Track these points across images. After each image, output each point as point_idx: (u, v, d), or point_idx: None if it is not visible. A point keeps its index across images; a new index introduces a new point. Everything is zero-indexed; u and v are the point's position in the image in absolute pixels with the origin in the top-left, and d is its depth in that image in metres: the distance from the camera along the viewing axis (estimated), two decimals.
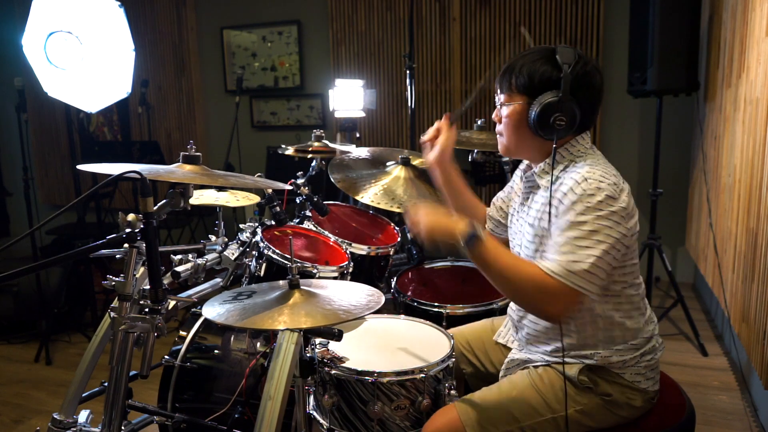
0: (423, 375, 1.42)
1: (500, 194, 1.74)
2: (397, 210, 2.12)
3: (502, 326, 1.68)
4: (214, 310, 1.32)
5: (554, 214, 1.32)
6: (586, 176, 1.29)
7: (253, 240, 1.93)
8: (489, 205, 1.78)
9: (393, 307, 2.13)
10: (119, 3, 2.58)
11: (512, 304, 1.61)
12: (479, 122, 2.50)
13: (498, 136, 1.49)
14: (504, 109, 1.43)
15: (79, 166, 1.43)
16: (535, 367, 1.47)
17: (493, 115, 1.48)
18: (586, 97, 1.36)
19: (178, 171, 1.46)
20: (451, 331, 1.75)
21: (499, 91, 1.45)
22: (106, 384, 1.54)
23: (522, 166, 1.57)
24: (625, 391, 1.40)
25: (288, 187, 1.80)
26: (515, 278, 1.28)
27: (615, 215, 1.26)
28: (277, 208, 2.04)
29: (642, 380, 1.41)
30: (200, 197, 2.17)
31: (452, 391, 1.46)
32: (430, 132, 1.72)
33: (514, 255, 1.34)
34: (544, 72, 1.35)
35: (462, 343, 1.70)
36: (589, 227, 1.25)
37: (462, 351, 1.69)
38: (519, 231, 1.51)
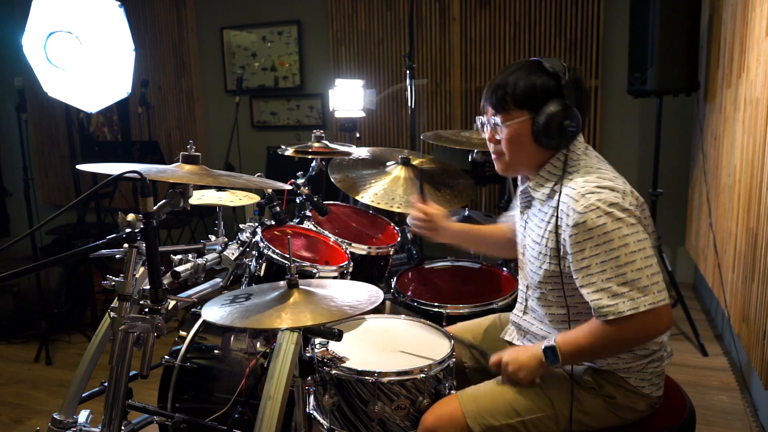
0: (423, 375, 1.42)
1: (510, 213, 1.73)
2: (397, 210, 2.12)
3: (510, 324, 1.69)
4: (213, 312, 1.32)
5: (564, 238, 1.31)
6: (582, 191, 1.28)
7: (253, 240, 1.93)
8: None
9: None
10: (119, 3, 2.58)
11: (515, 310, 1.61)
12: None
13: (494, 157, 1.46)
14: (502, 129, 1.39)
15: (79, 166, 1.42)
16: None
17: (487, 138, 1.45)
18: (581, 102, 1.36)
19: (177, 171, 1.45)
20: (457, 326, 1.75)
21: (490, 111, 1.41)
22: (106, 384, 1.54)
23: (520, 178, 1.56)
24: (628, 394, 1.40)
25: (287, 186, 1.80)
26: (606, 343, 1.30)
27: (630, 217, 1.26)
28: (277, 208, 2.04)
29: (646, 385, 1.41)
30: (201, 197, 2.17)
31: (452, 391, 1.46)
32: (417, 219, 1.76)
33: (585, 329, 1.32)
34: (543, 83, 1.34)
35: (467, 337, 1.70)
36: (617, 243, 1.24)
37: (466, 344, 1.69)
38: (522, 241, 1.52)
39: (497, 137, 1.42)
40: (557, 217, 1.33)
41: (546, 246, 1.38)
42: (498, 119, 1.39)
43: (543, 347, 1.34)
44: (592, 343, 1.30)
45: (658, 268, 1.26)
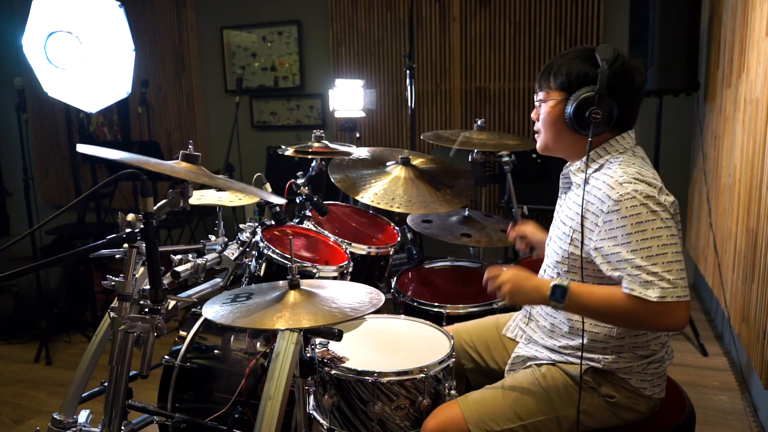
0: (423, 375, 1.42)
1: None
2: (397, 210, 2.12)
3: (510, 320, 1.69)
4: (214, 310, 1.32)
5: (594, 222, 1.32)
6: (620, 180, 1.29)
7: (253, 240, 1.93)
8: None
9: (393, 307, 2.13)
10: (119, 3, 2.58)
11: None
12: (479, 122, 2.50)
13: (536, 134, 1.51)
14: (542, 106, 1.46)
15: (79, 147, 1.38)
16: (539, 365, 1.48)
17: (533, 114, 1.51)
18: (624, 95, 1.36)
19: (175, 166, 1.44)
20: (455, 326, 1.76)
21: (538, 90, 1.48)
22: (106, 384, 1.54)
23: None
24: (629, 395, 1.40)
25: (281, 200, 1.79)
26: (617, 314, 1.29)
27: (665, 212, 1.26)
28: (277, 208, 2.04)
29: (648, 387, 1.41)
30: (201, 197, 2.17)
31: (452, 391, 1.46)
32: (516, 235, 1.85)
33: (605, 291, 1.31)
34: (581, 69, 1.37)
35: (465, 338, 1.70)
36: (650, 234, 1.24)
37: (464, 346, 1.69)
38: (554, 222, 1.54)
39: (539, 113, 1.48)
40: (584, 199, 1.34)
41: (571, 228, 1.39)
42: (541, 96, 1.46)
43: (553, 284, 1.30)
44: (605, 305, 1.29)
45: (685, 266, 1.26)
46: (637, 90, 1.39)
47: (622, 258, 1.26)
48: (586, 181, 1.37)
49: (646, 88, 1.41)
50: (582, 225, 1.34)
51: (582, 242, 1.35)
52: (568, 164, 1.52)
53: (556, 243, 1.46)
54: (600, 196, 1.32)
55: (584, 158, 1.41)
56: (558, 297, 1.30)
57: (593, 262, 1.34)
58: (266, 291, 1.41)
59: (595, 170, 1.38)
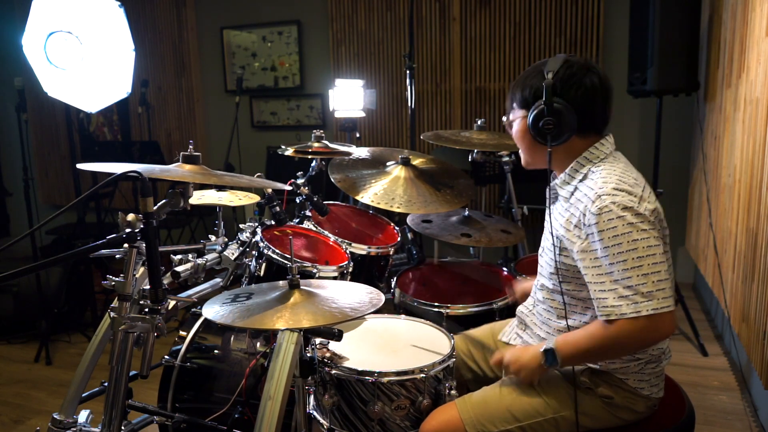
0: (423, 375, 1.42)
1: None
2: (397, 210, 2.12)
3: (507, 326, 1.69)
4: (214, 310, 1.32)
5: (578, 236, 1.33)
6: (599, 192, 1.29)
7: (253, 240, 1.93)
8: None
9: (393, 307, 2.13)
10: (119, 3, 2.58)
11: (525, 303, 1.61)
12: (479, 122, 2.50)
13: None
14: (513, 126, 1.50)
15: (80, 165, 1.42)
16: None
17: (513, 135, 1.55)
18: (577, 98, 1.35)
19: (177, 170, 1.45)
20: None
21: (507, 111, 1.52)
22: (106, 384, 1.54)
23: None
24: (627, 395, 1.40)
25: (287, 187, 1.80)
26: (606, 347, 1.31)
27: (643, 222, 1.26)
28: (277, 208, 2.04)
29: (646, 387, 1.41)
30: (201, 197, 2.17)
31: (452, 391, 1.46)
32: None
33: (585, 332, 1.33)
34: (533, 84, 1.40)
35: (463, 349, 1.70)
36: (626, 248, 1.25)
37: (462, 357, 1.69)
38: (545, 234, 1.55)
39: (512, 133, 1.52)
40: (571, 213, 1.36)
41: (558, 238, 1.40)
42: (510, 116, 1.51)
43: (542, 349, 1.35)
44: (591, 344, 1.31)
45: (667, 275, 1.26)
46: (591, 90, 1.36)
47: (601, 272, 1.29)
48: (573, 191, 1.39)
49: (605, 87, 1.39)
50: (568, 236, 1.36)
51: (567, 249, 1.37)
52: (552, 175, 1.53)
53: (548, 255, 1.47)
54: (582, 209, 1.33)
55: (567, 170, 1.43)
56: (551, 361, 1.34)
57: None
58: (266, 291, 1.41)
59: (580, 180, 1.39)
